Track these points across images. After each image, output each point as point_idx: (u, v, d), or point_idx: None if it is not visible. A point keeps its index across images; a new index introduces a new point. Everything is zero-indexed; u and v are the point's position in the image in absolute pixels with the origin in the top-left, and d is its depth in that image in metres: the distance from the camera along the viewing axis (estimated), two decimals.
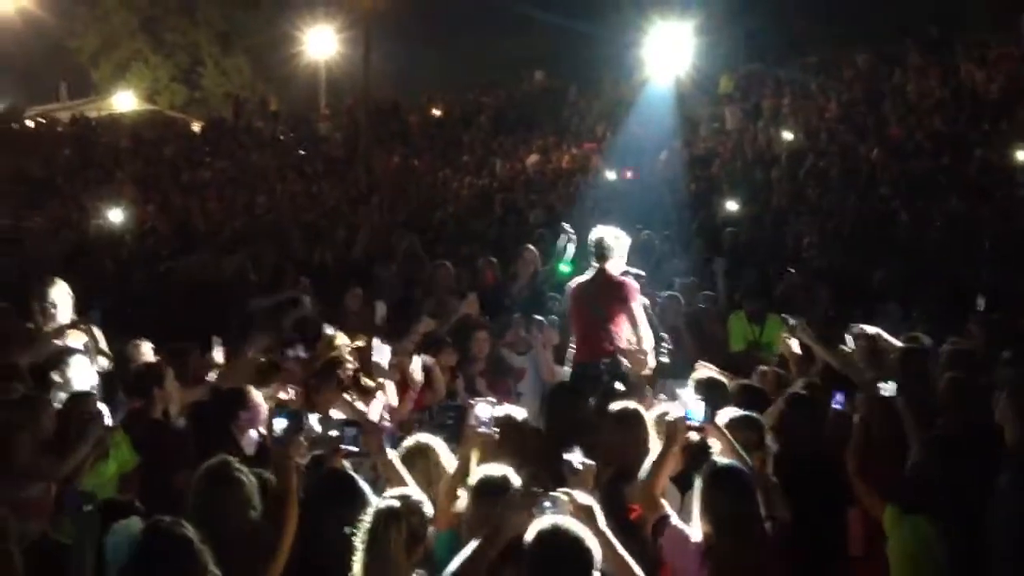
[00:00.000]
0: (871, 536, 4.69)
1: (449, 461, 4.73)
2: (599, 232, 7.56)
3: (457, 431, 4.98)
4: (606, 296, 7.36)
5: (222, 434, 5.58)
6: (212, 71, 33.77)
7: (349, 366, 7.12)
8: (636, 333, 7.23)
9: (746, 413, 4.87)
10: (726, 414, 4.79)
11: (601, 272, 7.43)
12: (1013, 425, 4.08)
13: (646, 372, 7.15)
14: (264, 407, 5.92)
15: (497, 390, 7.87)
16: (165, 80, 34.11)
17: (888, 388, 4.99)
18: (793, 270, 10.08)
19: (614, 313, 7.30)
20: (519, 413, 5.14)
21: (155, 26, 34.01)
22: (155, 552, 3.51)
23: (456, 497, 4.31)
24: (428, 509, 3.87)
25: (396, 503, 3.79)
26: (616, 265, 7.44)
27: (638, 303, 7.36)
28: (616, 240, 7.47)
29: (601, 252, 7.45)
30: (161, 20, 34.00)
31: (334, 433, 4.58)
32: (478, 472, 4.20)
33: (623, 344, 7.18)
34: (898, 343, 6.67)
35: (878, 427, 5.00)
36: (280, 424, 4.48)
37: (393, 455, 4.62)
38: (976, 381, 5.49)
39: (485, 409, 4.59)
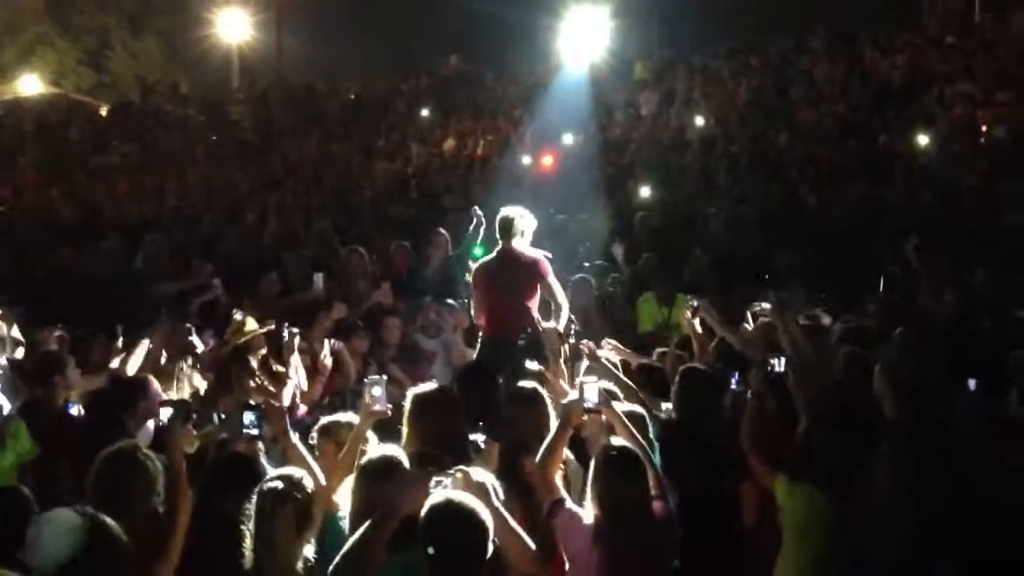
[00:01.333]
0: (764, 507, 4.83)
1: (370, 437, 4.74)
2: (504, 211, 7.65)
3: None
4: (519, 274, 7.42)
5: (117, 424, 5.49)
6: (121, 54, 32.92)
7: (259, 351, 7.13)
8: (555, 304, 7.33)
9: (631, 408, 4.94)
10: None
11: (508, 251, 7.50)
12: (888, 398, 4.24)
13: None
14: (163, 397, 5.85)
15: (412, 375, 7.90)
16: (72, 63, 33.14)
17: (778, 364, 5.13)
18: (699, 252, 10.27)
19: (527, 290, 7.37)
20: (445, 391, 5.14)
21: (62, 8, 33.00)
22: (101, 549, 3.34)
23: (346, 476, 4.33)
24: (310, 485, 3.88)
25: (280, 484, 3.79)
26: (522, 243, 7.50)
27: (552, 276, 7.45)
28: (521, 219, 7.55)
29: (506, 230, 7.52)
30: (68, 2, 32.99)
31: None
32: (366, 454, 4.22)
33: (533, 322, 7.23)
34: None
35: (771, 402, 5.14)
36: (166, 414, 4.48)
37: (296, 438, 4.62)
38: (868, 356, 5.67)
39: (378, 388, 4.59)
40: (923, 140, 13.33)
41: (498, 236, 7.61)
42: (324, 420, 4.98)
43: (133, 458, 4.13)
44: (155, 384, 5.84)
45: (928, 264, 8.48)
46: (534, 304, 7.40)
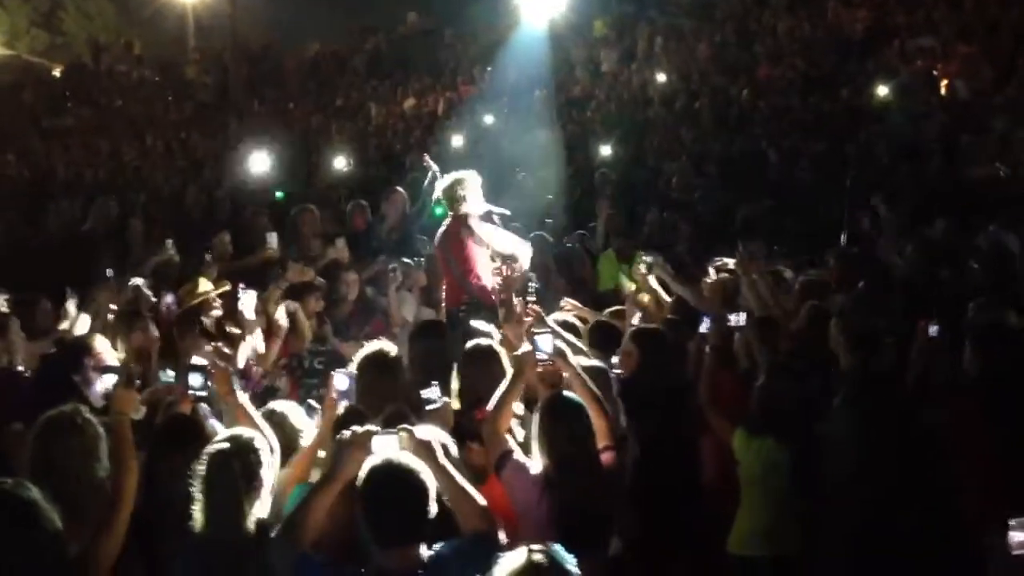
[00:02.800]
0: (723, 461, 4.80)
1: (301, 421, 4.63)
2: (444, 180, 7.54)
3: (325, 376, 4.90)
4: (455, 244, 7.31)
5: (67, 386, 5.35)
6: (74, 14, 32.23)
7: (213, 313, 7.00)
8: (499, 251, 7.14)
9: (595, 363, 4.86)
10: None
11: (448, 222, 7.43)
12: (843, 351, 4.22)
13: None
14: (112, 356, 5.70)
15: (369, 332, 7.77)
16: (25, 25, 32.42)
17: (738, 318, 5.08)
18: (657, 209, 10.22)
19: (462, 260, 7.25)
20: (391, 349, 5.06)
21: None
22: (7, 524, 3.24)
23: (312, 462, 4.23)
24: (261, 444, 3.78)
25: (227, 444, 3.69)
26: (473, 207, 7.35)
27: (473, 234, 7.23)
28: (461, 184, 7.37)
29: (450, 200, 7.40)
30: None
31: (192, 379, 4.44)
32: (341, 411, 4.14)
33: (473, 289, 7.12)
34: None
35: (732, 356, 5.09)
36: (110, 379, 4.34)
37: (245, 398, 4.49)
38: (829, 309, 5.63)
39: (342, 380, 4.44)
40: (883, 91, 13.30)
41: (447, 207, 7.52)
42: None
43: (71, 421, 3.98)
44: (100, 343, 5.69)
45: (893, 216, 8.48)
46: (478, 269, 7.24)
